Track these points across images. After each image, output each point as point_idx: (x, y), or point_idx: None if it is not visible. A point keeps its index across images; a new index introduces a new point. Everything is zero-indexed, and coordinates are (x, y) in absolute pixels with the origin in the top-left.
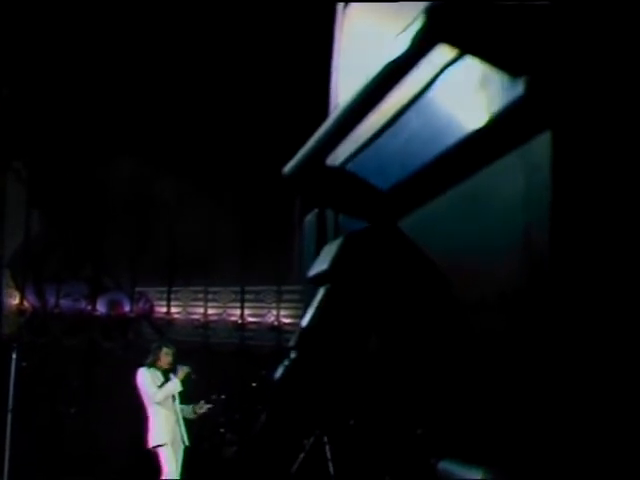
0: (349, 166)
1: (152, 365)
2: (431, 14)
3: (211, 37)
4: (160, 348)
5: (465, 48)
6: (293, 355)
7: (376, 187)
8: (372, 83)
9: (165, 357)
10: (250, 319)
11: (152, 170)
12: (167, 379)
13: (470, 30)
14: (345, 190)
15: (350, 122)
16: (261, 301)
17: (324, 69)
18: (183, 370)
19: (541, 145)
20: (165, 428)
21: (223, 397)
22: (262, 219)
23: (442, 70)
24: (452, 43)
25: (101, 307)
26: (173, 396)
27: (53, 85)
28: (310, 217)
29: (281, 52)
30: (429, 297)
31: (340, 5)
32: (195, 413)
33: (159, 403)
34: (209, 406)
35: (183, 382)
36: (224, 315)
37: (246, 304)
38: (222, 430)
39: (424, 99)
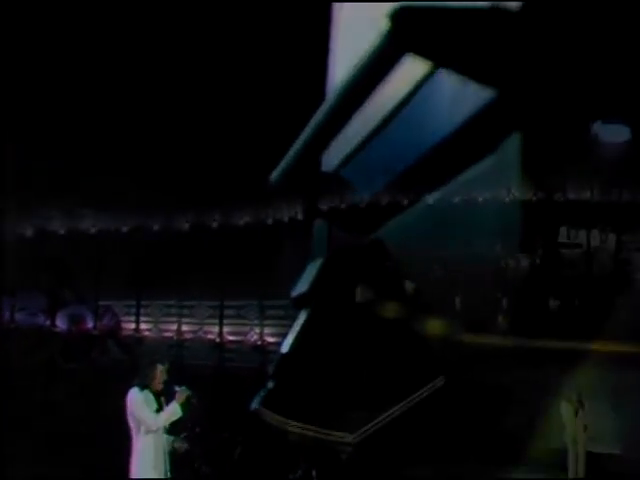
0: (340, 171)
1: (146, 386)
2: (395, 17)
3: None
4: (154, 365)
5: (431, 52)
6: (271, 385)
7: (362, 195)
8: (344, 89)
9: (161, 376)
10: (230, 337)
11: (125, 174)
12: (159, 402)
13: (435, 33)
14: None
15: (329, 129)
16: (242, 317)
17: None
18: (182, 392)
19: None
20: (154, 461)
21: (197, 428)
22: (244, 226)
23: (421, 81)
24: (417, 48)
25: (61, 323)
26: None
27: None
28: (319, 221)
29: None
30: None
31: (336, 5)
32: (173, 448)
33: (156, 431)
34: (186, 446)
35: (183, 406)
36: (200, 333)
37: (225, 321)
38: (196, 464)
39: (406, 107)
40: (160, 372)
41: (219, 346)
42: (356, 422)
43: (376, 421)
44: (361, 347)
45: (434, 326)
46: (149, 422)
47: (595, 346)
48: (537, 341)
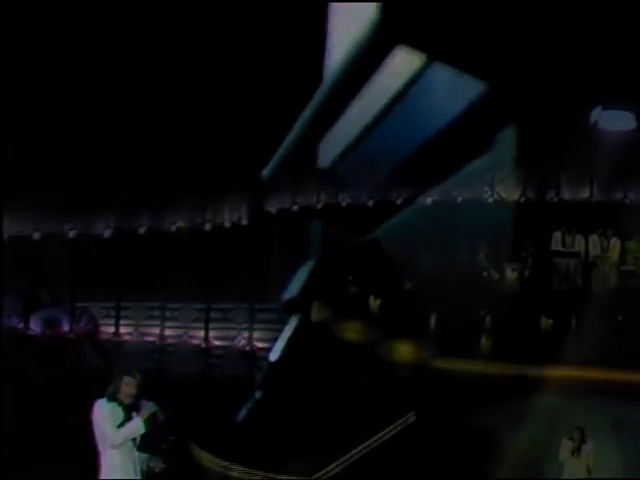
0: (334, 167)
1: (113, 398)
2: (386, 6)
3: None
4: (120, 377)
5: (424, 42)
6: (258, 395)
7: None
8: (334, 81)
9: (126, 388)
10: (216, 342)
11: (109, 172)
12: (129, 417)
13: (428, 22)
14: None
15: (319, 123)
16: (230, 321)
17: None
18: (148, 407)
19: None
20: (120, 477)
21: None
22: (233, 224)
23: (415, 75)
24: (409, 38)
25: (35, 325)
26: (134, 439)
27: None
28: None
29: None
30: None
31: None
32: (148, 467)
33: (116, 447)
34: (162, 466)
35: (147, 422)
36: (185, 337)
37: (212, 324)
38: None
39: (400, 102)
40: (126, 385)
41: (205, 352)
42: (313, 465)
43: (336, 464)
44: (316, 376)
45: (404, 350)
46: (108, 436)
47: (597, 374)
48: (527, 368)
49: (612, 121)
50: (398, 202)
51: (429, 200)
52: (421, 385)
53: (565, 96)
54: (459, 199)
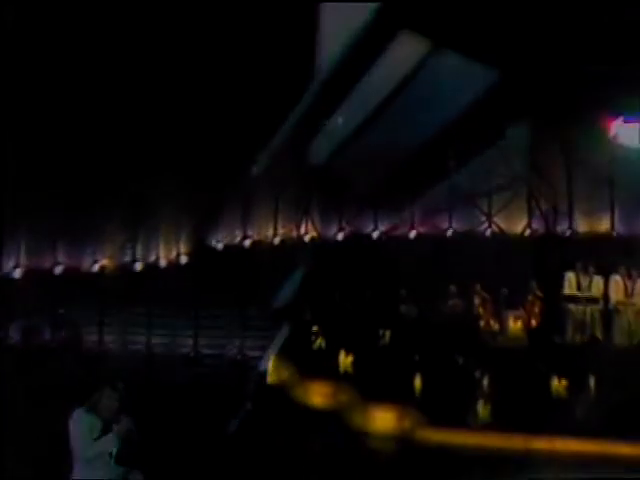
0: (332, 162)
1: (92, 410)
2: None
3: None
4: (102, 389)
5: (429, 27)
6: (249, 406)
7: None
8: (334, 70)
9: (106, 401)
10: (206, 351)
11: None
12: (106, 430)
13: (433, 6)
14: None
15: (317, 113)
16: (220, 328)
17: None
18: (123, 424)
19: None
20: None
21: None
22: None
23: (421, 62)
24: (413, 22)
25: (14, 334)
26: (110, 453)
27: None
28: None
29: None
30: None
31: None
32: None
33: (89, 461)
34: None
35: (121, 438)
36: (172, 346)
37: (201, 332)
38: None
39: (405, 92)
40: (107, 398)
41: (193, 361)
42: None
43: None
44: (274, 446)
45: (382, 418)
46: (81, 449)
47: (619, 448)
48: (534, 440)
49: (635, 136)
50: (374, 234)
51: (413, 233)
52: (403, 460)
53: (579, 97)
54: (449, 231)
